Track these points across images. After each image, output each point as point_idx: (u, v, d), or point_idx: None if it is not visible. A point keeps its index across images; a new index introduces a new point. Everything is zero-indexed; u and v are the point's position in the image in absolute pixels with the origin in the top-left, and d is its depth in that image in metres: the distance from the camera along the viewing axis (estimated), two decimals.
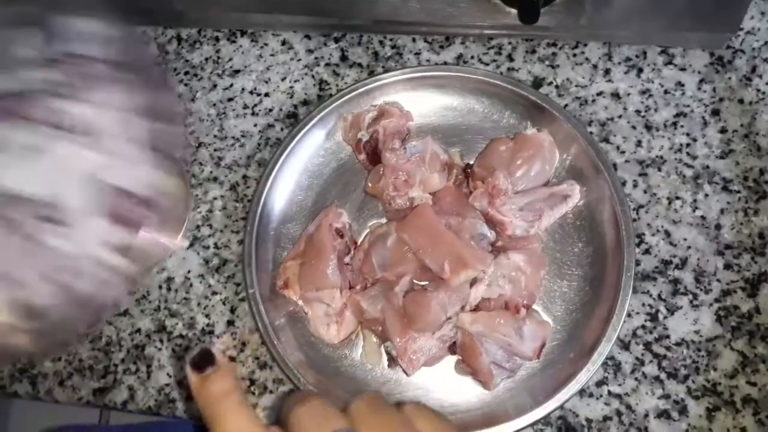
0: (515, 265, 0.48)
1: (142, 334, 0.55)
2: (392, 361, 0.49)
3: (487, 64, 0.58)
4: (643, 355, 0.48)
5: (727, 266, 0.49)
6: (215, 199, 0.58)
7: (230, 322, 0.54)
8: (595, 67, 0.56)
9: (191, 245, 0.57)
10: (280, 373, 0.50)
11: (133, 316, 0.56)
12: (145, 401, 0.53)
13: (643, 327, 0.49)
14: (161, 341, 0.54)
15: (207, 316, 0.54)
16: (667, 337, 0.48)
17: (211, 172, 0.59)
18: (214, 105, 0.61)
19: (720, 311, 0.48)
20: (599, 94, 0.55)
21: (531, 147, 0.52)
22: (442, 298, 0.48)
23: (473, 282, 0.48)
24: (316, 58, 0.61)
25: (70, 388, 0.55)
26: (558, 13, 0.53)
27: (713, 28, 0.52)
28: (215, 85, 0.62)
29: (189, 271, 0.56)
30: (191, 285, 0.55)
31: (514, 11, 0.52)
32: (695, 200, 0.51)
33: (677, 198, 0.51)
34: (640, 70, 0.55)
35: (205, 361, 0.30)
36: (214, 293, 0.55)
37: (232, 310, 0.54)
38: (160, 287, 0.56)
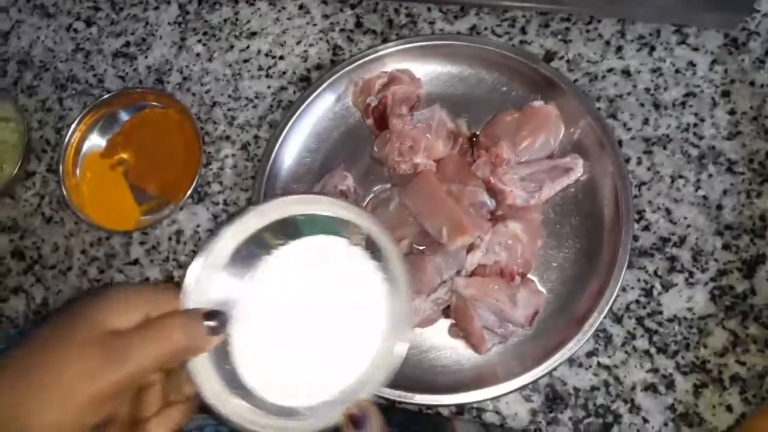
0: (512, 233, 0.49)
1: (151, 283, 0.57)
2: None
3: (500, 36, 0.58)
4: (634, 329, 0.49)
5: (726, 246, 0.49)
6: (226, 157, 0.59)
7: None
8: (607, 43, 0.56)
9: (201, 201, 0.58)
10: None
11: (143, 265, 0.58)
12: None
13: (637, 302, 0.49)
14: None
15: None
16: (660, 312, 0.49)
17: (224, 131, 0.60)
18: (230, 66, 0.62)
19: (715, 290, 0.48)
20: (610, 70, 0.55)
21: (537, 119, 0.52)
22: (438, 261, 0.49)
23: (470, 248, 0.49)
24: (331, 23, 0.62)
25: None
26: None
27: (728, 8, 0.52)
28: (232, 47, 0.63)
29: (198, 225, 0.58)
30: (200, 238, 0.57)
31: None
32: (698, 180, 0.51)
33: (680, 177, 0.51)
34: (653, 49, 0.55)
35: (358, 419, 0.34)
36: None
37: None
38: (170, 239, 0.58)
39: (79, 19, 0.67)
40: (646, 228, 0.51)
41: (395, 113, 0.54)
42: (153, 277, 0.57)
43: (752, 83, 0.53)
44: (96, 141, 0.61)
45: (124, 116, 0.62)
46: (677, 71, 0.54)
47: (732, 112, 0.52)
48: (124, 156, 0.61)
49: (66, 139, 0.60)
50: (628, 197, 0.49)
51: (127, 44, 0.65)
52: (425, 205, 0.50)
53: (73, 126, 0.60)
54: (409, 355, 0.50)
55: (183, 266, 0.57)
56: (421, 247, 0.51)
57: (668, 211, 0.51)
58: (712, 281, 0.49)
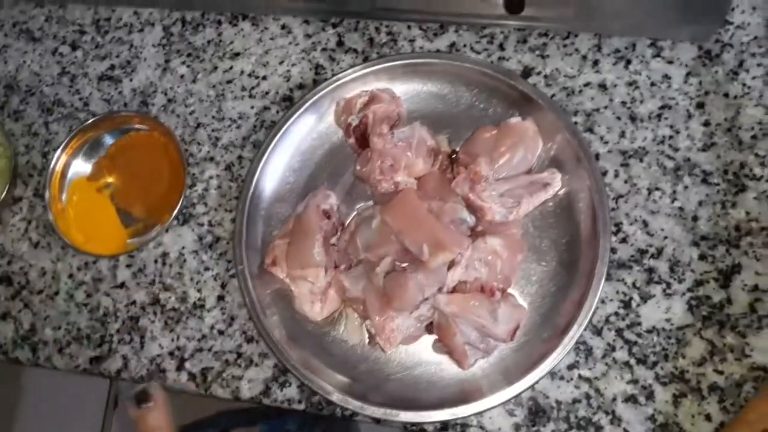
0: (492, 249, 0.49)
1: (137, 306, 0.57)
2: (372, 338, 0.51)
3: (479, 53, 0.59)
4: (614, 340, 0.49)
5: (702, 257, 0.50)
6: (211, 178, 0.60)
7: (220, 297, 0.56)
8: (584, 57, 0.57)
9: (186, 222, 0.59)
10: (266, 348, 0.52)
11: (129, 288, 0.58)
12: (138, 370, 0.56)
13: (616, 314, 0.50)
14: (155, 314, 0.57)
15: (199, 290, 0.57)
16: (639, 324, 0.49)
17: (208, 151, 0.61)
18: (214, 87, 0.63)
19: (692, 301, 0.49)
20: (587, 84, 0.56)
21: (514, 135, 0.53)
22: (420, 279, 0.49)
23: (451, 264, 0.50)
24: (313, 42, 0.62)
25: (68, 356, 0.58)
26: (548, 3, 0.54)
27: (701, 20, 0.53)
28: (216, 67, 0.64)
29: (183, 247, 0.58)
30: (185, 260, 0.58)
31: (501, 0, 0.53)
32: (674, 191, 0.52)
33: (657, 189, 0.52)
34: (629, 62, 0.56)
35: (144, 397, 0.41)
36: (207, 269, 0.57)
37: (223, 286, 0.56)
38: (156, 261, 0.58)
39: (65, 42, 0.68)
40: (624, 240, 0.51)
41: (376, 132, 0.55)
42: (140, 300, 0.57)
43: (726, 95, 0.53)
44: (82, 165, 0.62)
45: (109, 139, 0.62)
46: (653, 84, 0.55)
47: (706, 124, 0.53)
48: (110, 179, 0.61)
49: (52, 164, 0.60)
50: (606, 210, 0.50)
51: (112, 67, 0.66)
52: (406, 223, 0.51)
53: (59, 151, 0.61)
54: (394, 372, 0.51)
55: (168, 289, 0.57)
56: (403, 265, 0.52)
57: (645, 223, 0.51)
58: (689, 292, 0.49)
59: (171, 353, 0.56)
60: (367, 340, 0.52)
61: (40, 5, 0.70)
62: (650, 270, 0.50)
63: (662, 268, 0.50)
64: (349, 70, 0.57)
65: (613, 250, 0.51)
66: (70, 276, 0.60)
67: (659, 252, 0.51)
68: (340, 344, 0.52)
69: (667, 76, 0.55)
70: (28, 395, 1.18)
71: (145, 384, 0.39)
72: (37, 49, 0.68)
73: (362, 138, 0.56)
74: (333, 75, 0.58)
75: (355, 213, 0.56)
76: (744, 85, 0.53)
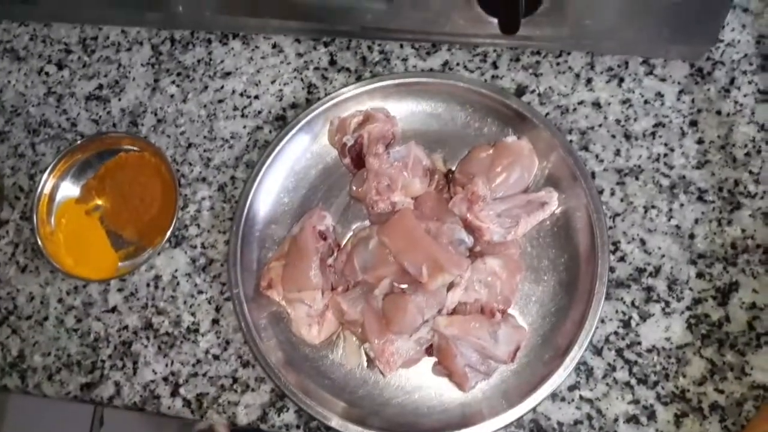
0: (491, 270, 0.49)
1: (130, 331, 0.56)
2: (371, 362, 0.50)
3: (472, 72, 0.59)
4: (614, 360, 0.49)
5: (700, 275, 0.50)
6: (203, 199, 0.59)
7: (215, 321, 0.55)
8: (577, 76, 0.57)
9: (179, 244, 0.58)
10: (262, 372, 0.51)
11: (121, 312, 0.57)
12: (131, 397, 0.55)
13: (616, 333, 0.50)
14: (147, 338, 0.56)
15: (193, 314, 0.56)
16: (639, 343, 0.49)
17: (200, 172, 0.60)
18: (205, 106, 0.62)
19: (691, 319, 0.49)
20: (580, 102, 0.56)
21: (510, 154, 0.53)
22: (419, 301, 0.49)
23: (450, 286, 0.49)
24: (305, 61, 0.62)
25: (58, 383, 0.56)
26: (541, 23, 0.54)
27: (692, 39, 0.53)
28: (206, 87, 0.63)
29: (176, 270, 0.57)
30: (178, 283, 0.57)
31: (495, 21, 0.53)
32: (671, 209, 0.52)
33: (653, 207, 0.52)
34: (622, 80, 0.56)
35: None
36: (200, 292, 0.56)
37: (217, 309, 0.55)
38: (148, 285, 0.57)
39: (51, 62, 0.67)
40: (622, 259, 0.51)
41: (372, 152, 0.54)
42: (132, 325, 0.56)
43: (719, 112, 0.54)
44: (70, 187, 0.61)
45: (98, 161, 0.61)
46: (646, 102, 0.55)
47: (700, 141, 0.54)
48: (100, 201, 0.60)
49: (39, 186, 0.59)
50: (603, 229, 0.50)
51: (100, 87, 0.65)
52: (404, 244, 0.50)
53: (46, 173, 0.59)
54: (393, 396, 0.50)
55: (162, 313, 0.56)
56: (402, 286, 0.51)
57: (643, 242, 0.52)
58: (688, 310, 0.49)
59: (165, 378, 0.54)
60: (365, 364, 0.51)
61: (24, 24, 0.68)
62: (649, 289, 0.50)
63: (661, 287, 0.50)
64: (343, 90, 0.57)
65: (612, 269, 0.51)
66: (60, 301, 0.58)
67: (657, 270, 0.51)
68: (338, 368, 0.51)
69: (660, 94, 0.55)
70: (11, 420, 1.15)
71: (210, 421, 0.36)
72: (23, 69, 0.67)
73: (358, 158, 0.56)
74: (326, 94, 0.57)
75: (351, 234, 0.55)
76: (736, 102, 0.54)
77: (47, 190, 0.59)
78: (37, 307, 0.58)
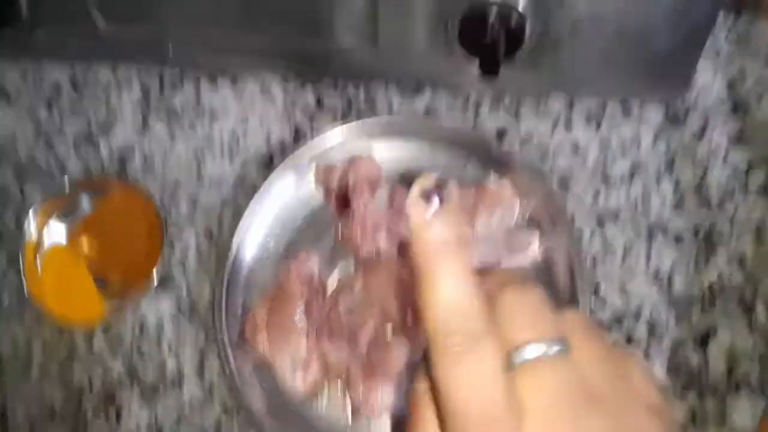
0: None
1: (113, 379, 0.56)
2: (356, 410, 0.51)
3: (456, 113, 0.60)
4: None
5: (679, 319, 0.51)
6: (190, 242, 0.59)
7: (200, 367, 0.55)
8: (557, 119, 0.58)
9: (164, 289, 0.58)
10: (246, 421, 0.51)
11: (105, 359, 0.57)
12: None
13: None
14: (131, 387, 0.56)
15: (177, 360, 0.56)
16: None
17: (187, 214, 0.61)
18: (193, 147, 0.63)
19: (671, 364, 0.50)
20: (560, 145, 0.57)
21: (492, 197, 0.54)
22: (405, 346, 0.49)
23: None
24: (292, 102, 0.63)
25: None
26: (520, 69, 0.56)
27: (666, 86, 0.55)
28: (194, 127, 0.64)
29: (161, 315, 0.57)
30: (163, 329, 0.57)
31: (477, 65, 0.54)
32: (649, 253, 0.53)
33: (632, 250, 0.53)
34: (599, 123, 0.58)
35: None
36: (185, 337, 0.56)
37: (202, 355, 0.56)
38: (133, 330, 0.57)
39: (40, 102, 0.67)
40: (603, 302, 0.52)
41: (357, 195, 0.55)
42: (117, 370, 0.56)
43: (693, 156, 0.55)
44: (58, 230, 0.61)
45: (86, 203, 0.61)
46: (623, 145, 0.57)
47: (677, 184, 0.55)
48: (87, 245, 0.60)
49: (26, 230, 0.59)
50: (584, 272, 0.50)
51: (89, 126, 0.65)
52: (389, 289, 0.51)
53: (34, 215, 0.60)
54: None
55: (146, 359, 0.56)
56: (388, 330, 0.52)
57: (623, 285, 0.52)
58: (668, 354, 0.50)
59: (149, 426, 0.54)
60: (350, 412, 0.51)
61: (14, 62, 0.69)
62: (629, 332, 0.51)
63: (641, 331, 0.51)
64: (329, 132, 0.58)
65: (592, 313, 0.52)
66: (44, 347, 0.58)
67: (637, 314, 0.51)
68: (323, 417, 0.52)
69: (636, 137, 0.57)
70: None
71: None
72: (12, 109, 0.68)
73: (343, 201, 0.56)
74: (312, 136, 0.58)
75: (337, 278, 0.56)
76: (710, 144, 0.55)
77: (34, 233, 0.60)
78: (22, 354, 0.58)
